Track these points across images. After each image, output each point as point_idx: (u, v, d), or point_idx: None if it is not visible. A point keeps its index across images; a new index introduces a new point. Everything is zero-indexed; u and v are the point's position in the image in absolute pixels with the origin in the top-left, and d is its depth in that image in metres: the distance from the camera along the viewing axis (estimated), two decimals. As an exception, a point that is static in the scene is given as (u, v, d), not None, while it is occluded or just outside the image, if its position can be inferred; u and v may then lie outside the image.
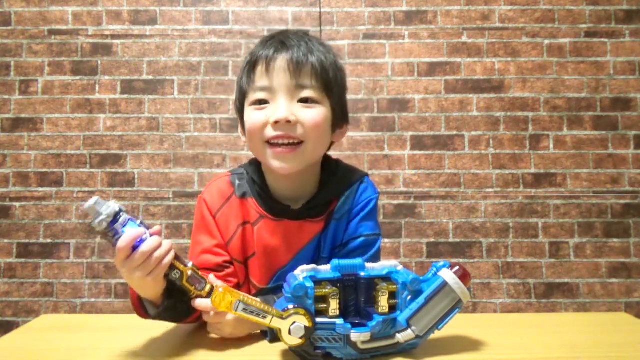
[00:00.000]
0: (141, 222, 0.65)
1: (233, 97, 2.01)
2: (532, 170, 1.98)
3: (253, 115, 0.80)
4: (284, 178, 0.84)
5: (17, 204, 1.98)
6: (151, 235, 0.65)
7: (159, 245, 0.64)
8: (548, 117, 1.99)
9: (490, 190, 1.98)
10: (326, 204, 0.86)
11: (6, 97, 2.00)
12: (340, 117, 0.86)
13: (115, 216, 0.62)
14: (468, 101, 2.00)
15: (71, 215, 1.97)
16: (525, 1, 2.02)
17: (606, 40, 2.00)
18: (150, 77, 2.01)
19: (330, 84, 0.82)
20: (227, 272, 0.84)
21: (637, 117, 1.99)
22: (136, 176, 1.99)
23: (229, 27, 2.02)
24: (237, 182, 0.90)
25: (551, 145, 1.99)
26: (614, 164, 1.97)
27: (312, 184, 0.88)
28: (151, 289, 0.67)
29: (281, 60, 0.79)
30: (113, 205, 0.62)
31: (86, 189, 1.98)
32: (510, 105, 2.00)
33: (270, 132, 0.78)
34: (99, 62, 2.02)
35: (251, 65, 0.82)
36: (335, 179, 0.88)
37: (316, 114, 0.79)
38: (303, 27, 2.02)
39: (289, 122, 0.77)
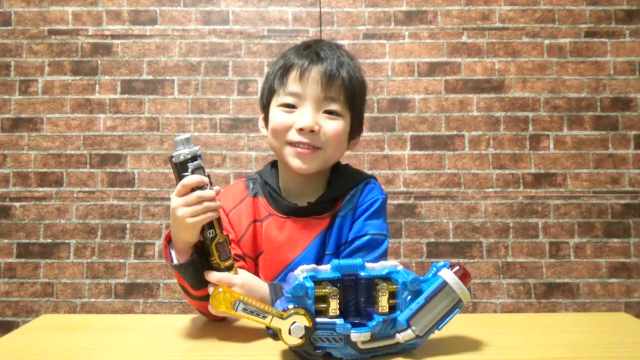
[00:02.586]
0: (208, 175, 0.71)
1: (233, 96, 2.01)
2: (532, 170, 1.98)
3: (280, 116, 0.86)
4: (297, 176, 0.89)
5: (17, 204, 1.98)
6: (211, 189, 0.71)
7: (213, 199, 0.70)
8: (548, 117, 1.99)
9: (490, 190, 1.98)
10: (332, 201, 0.90)
11: (6, 97, 2.00)
12: (356, 129, 0.93)
13: (194, 158, 0.69)
14: (468, 101, 2.00)
15: (71, 215, 1.97)
16: (525, 1, 2.02)
17: (606, 40, 2.00)
18: (150, 77, 2.01)
19: (355, 98, 0.88)
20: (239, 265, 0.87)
21: (637, 117, 1.99)
22: (136, 176, 1.99)
23: (229, 27, 2.02)
24: (251, 185, 0.95)
25: (551, 145, 1.99)
26: (614, 164, 1.97)
27: (321, 184, 0.93)
28: (187, 234, 0.71)
29: (315, 72, 0.85)
30: (196, 149, 0.70)
31: (86, 189, 1.98)
32: (510, 105, 2.00)
33: (293, 136, 0.85)
34: (99, 62, 2.02)
35: (285, 70, 0.88)
36: (342, 179, 0.93)
37: (338, 125, 0.86)
38: (303, 27, 2.02)
39: (312, 131, 0.84)
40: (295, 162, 0.85)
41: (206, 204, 0.69)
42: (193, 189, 0.69)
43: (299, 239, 0.88)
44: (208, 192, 0.69)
